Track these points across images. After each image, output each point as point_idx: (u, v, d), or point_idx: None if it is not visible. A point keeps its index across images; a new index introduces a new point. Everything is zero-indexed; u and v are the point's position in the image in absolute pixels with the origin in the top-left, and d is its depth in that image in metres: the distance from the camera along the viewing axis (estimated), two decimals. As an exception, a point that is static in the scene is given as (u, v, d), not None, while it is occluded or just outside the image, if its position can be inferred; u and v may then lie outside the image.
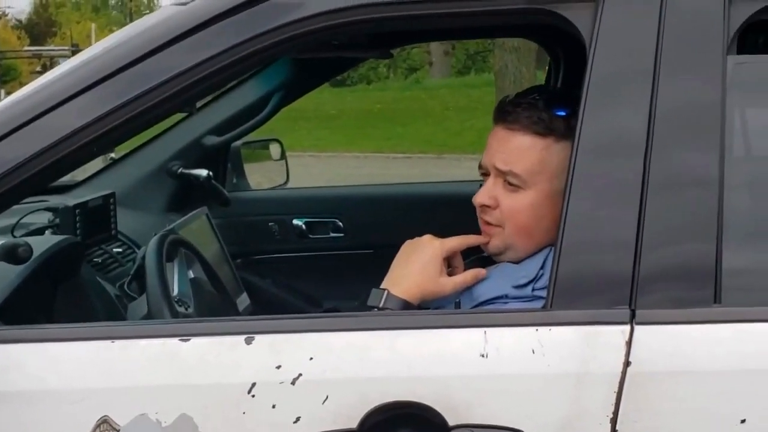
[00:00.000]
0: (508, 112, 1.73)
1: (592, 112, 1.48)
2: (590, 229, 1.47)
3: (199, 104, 3.03)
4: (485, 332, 1.43)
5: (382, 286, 1.70)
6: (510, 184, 1.72)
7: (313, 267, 3.22)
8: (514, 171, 1.71)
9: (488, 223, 1.75)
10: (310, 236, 3.25)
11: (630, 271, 1.44)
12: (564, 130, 1.69)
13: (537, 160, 1.70)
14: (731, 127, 1.48)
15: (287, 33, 1.54)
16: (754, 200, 1.52)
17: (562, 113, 1.70)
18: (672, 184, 1.46)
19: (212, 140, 3.05)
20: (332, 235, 3.25)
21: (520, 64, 10.77)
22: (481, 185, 1.78)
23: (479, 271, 1.73)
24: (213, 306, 2.05)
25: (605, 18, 1.49)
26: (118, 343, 1.48)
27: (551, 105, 1.72)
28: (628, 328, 1.42)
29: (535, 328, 1.43)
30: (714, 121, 1.46)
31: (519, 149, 1.71)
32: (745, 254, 1.48)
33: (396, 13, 1.58)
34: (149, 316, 1.80)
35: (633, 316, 1.43)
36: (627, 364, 1.41)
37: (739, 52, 1.50)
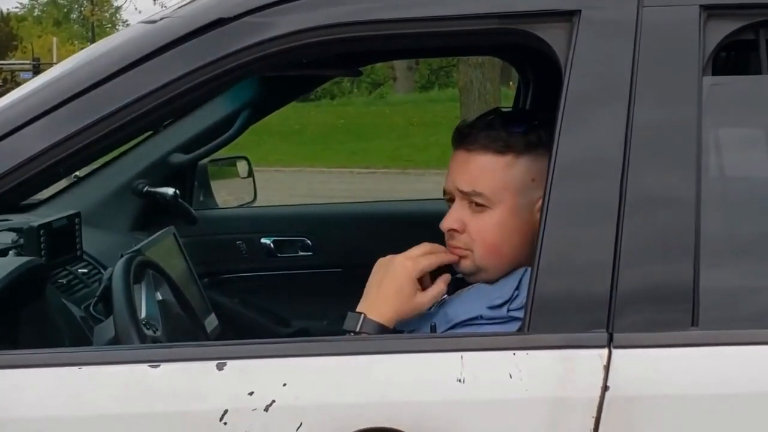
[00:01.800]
0: (465, 135, 1.74)
1: (568, 133, 1.48)
2: (567, 251, 1.46)
3: (165, 122, 2.99)
4: (462, 356, 1.41)
5: (358, 310, 1.67)
6: (476, 204, 1.71)
7: (282, 286, 3.19)
8: (478, 190, 1.71)
9: (457, 248, 1.74)
10: (279, 255, 3.22)
11: (607, 294, 1.43)
12: (523, 146, 1.70)
13: (499, 178, 1.70)
14: (707, 148, 1.47)
15: (259, 52, 1.52)
16: (731, 221, 1.51)
17: (519, 129, 1.71)
18: (649, 205, 1.45)
19: (179, 158, 3.01)
20: (301, 253, 3.22)
21: (484, 79, 10.81)
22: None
23: (446, 276, 1.73)
24: (182, 328, 2.01)
25: (580, 38, 1.49)
26: (85, 369, 1.44)
27: (508, 123, 1.73)
28: (605, 351, 1.41)
29: (512, 352, 1.42)
30: (690, 142, 1.45)
31: (480, 169, 1.71)
32: (722, 276, 1.47)
33: (367, 33, 1.57)
34: (116, 339, 1.76)
35: (611, 339, 1.41)
36: (605, 388, 1.39)
37: (715, 72, 1.51)
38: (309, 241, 3.21)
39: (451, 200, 1.76)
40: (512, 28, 1.53)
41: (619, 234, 1.43)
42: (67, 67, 1.64)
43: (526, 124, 1.73)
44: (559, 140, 1.47)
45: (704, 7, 1.48)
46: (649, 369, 1.41)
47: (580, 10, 1.49)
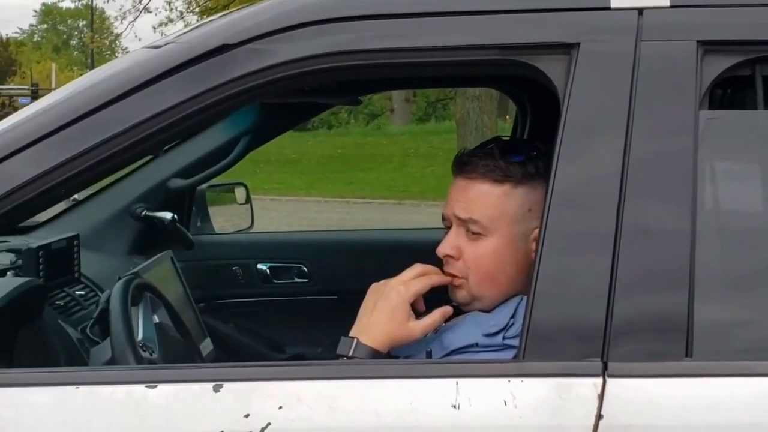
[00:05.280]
0: (465, 163, 1.76)
1: (565, 163, 1.49)
2: (563, 280, 1.47)
3: (165, 147, 3.00)
4: (457, 383, 1.42)
5: (350, 335, 1.68)
6: (472, 232, 1.73)
7: (277, 312, 3.19)
8: (474, 218, 1.72)
9: (453, 275, 1.76)
10: (275, 281, 3.22)
11: (602, 323, 1.44)
12: (521, 175, 1.72)
13: (496, 206, 1.72)
14: (703, 180, 1.49)
15: (262, 79, 1.54)
16: (725, 253, 1.53)
17: (518, 159, 1.73)
18: (644, 236, 1.46)
19: (178, 183, 3.02)
20: (297, 280, 3.23)
21: (481, 112, 10.87)
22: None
23: (446, 309, 1.73)
24: (177, 351, 2.02)
25: (579, 71, 1.51)
26: (83, 389, 1.45)
27: (507, 152, 1.75)
28: (600, 380, 1.41)
29: (507, 379, 1.42)
30: (686, 174, 1.47)
31: (478, 197, 1.73)
32: (716, 307, 1.48)
33: (369, 61, 1.58)
34: (113, 361, 1.77)
35: (605, 368, 1.42)
36: (599, 417, 1.40)
37: (711, 106, 1.53)
38: (305, 268, 3.22)
39: (449, 226, 1.78)
40: (512, 59, 1.55)
41: (615, 264, 1.45)
42: (70, 90, 1.66)
43: (525, 154, 1.75)
44: (557, 170, 1.49)
45: (701, 43, 1.50)
46: (642, 399, 1.41)
47: (579, 43, 1.51)
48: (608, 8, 1.53)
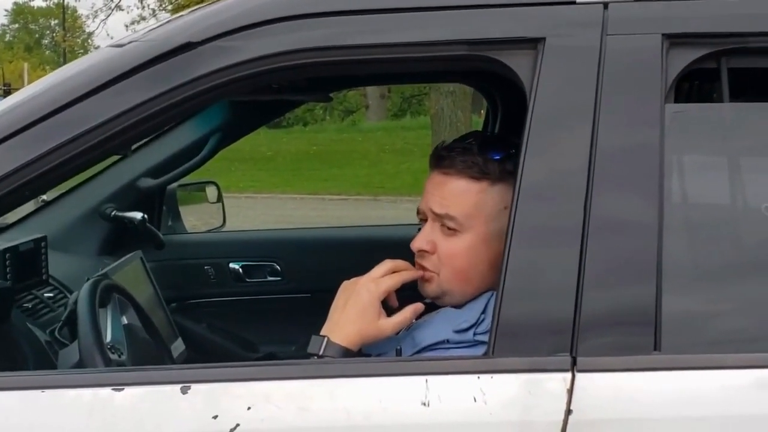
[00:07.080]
0: (443, 158, 1.75)
1: (533, 158, 1.49)
2: (531, 275, 1.46)
3: (134, 146, 2.98)
4: (426, 380, 1.42)
5: (321, 333, 1.67)
6: (448, 228, 1.73)
7: (250, 311, 3.18)
8: (450, 214, 1.72)
9: (425, 269, 1.75)
10: (247, 280, 3.21)
11: (571, 317, 1.43)
12: (499, 173, 1.72)
13: (473, 203, 1.71)
14: (670, 173, 1.49)
15: (227, 76, 1.53)
16: (692, 246, 1.53)
17: (497, 157, 1.73)
18: (612, 229, 1.46)
19: (147, 182, 3.00)
20: (269, 278, 3.21)
21: (456, 107, 10.89)
22: (419, 230, 1.79)
23: (417, 306, 1.73)
24: (147, 353, 2.00)
25: (545, 65, 1.50)
26: (48, 392, 1.43)
27: (485, 149, 1.74)
28: (569, 375, 1.41)
29: (476, 375, 1.42)
30: (653, 167, 1.47)
31: (454, 193, 1.72)
32: (684, 301, 1.49)
33: (336, 58, 1.57)
34: (81, 363, 1.75)
35: (574, 363, 1.42)
36: (568, 412, 1.40)
37: (677, 99, 1.53)
38: (278, 266, 3.21)
39: (424, 220, 1.78)
40: (479, 54, 1.55)
41: (583, 258, 1.45)
42: (34, 89, 1.64)
43: (504, 151, 1.74)
44: (524, 165, 1.48)
45: (666, 36, 1.50)
46: (611, 393, 1.42)
47: (544, 38, 1.51)
48: (573, 2, 1.53)
